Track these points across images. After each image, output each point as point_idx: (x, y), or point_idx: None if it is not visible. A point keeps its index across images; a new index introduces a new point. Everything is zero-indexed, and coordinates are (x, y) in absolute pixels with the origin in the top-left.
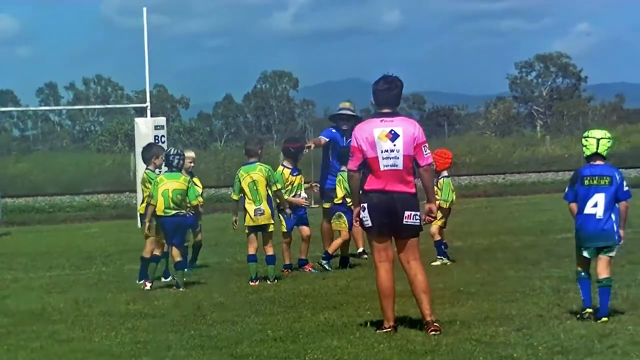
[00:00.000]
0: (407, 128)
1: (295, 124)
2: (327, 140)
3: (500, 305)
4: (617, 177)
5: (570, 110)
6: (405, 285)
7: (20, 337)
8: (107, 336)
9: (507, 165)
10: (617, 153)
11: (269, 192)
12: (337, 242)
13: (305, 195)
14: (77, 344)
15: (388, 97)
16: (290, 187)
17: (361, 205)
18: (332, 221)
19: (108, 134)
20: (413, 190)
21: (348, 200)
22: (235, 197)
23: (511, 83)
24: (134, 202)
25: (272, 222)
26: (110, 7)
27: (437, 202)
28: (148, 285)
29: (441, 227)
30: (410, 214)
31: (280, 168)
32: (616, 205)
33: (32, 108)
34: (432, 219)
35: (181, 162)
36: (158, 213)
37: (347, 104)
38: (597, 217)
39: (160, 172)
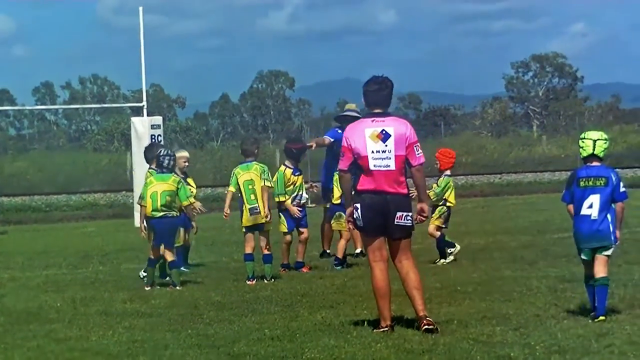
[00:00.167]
0: (398, 128)
1: (292, 123)
2: (332, 140)
3: (498, 304)
4: (614, 178)
5: (566, 110)
6: (401, 285)
7: (17, 336)
8: (104, 335)
9: (503, 165)
10: (614, 153)
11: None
12: (341, 244)
13: (307, 196)
14: (74, 342)
15: (378, 97)
16: (292, 187)
17: (354, 205)
18: (332, 221)
19: (104, 133)
20: (405, 191)
21: None
22: (231, 189)
23: (507, 83)
24: (131, 201)
25: (270, 220)
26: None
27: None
28: (147, 288)
29: (440, 227)
30: (402, 215)
31: (282, 168)
32: (612, 206)
33: (28, 107)
34: (424, 219)
35: (172, 162)
36: (147, 214)
37: (352, 106)
38: (592, 217)
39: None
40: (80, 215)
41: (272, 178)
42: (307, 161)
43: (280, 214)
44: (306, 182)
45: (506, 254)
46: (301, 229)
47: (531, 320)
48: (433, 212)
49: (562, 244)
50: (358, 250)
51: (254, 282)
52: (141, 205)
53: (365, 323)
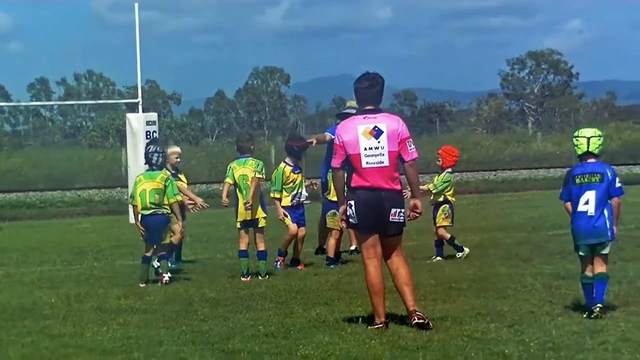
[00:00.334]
0: (390, 124)
1: (287, 120)
2: (333, 137)
3: (492, 301)
4: (609, 174)
5: (561, 107)
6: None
7: (11, 332)
8: (98, 331)
9: (498, 161)
10: (609, 150)
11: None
12: (332, 242)
13: (307, 194)
14: (68, 339)
15: (370, 94)
16: (292, 184)
17: (348, 202)
18: (327, 218)
19: (99, 130)
20: (399, 187)
21: None
22: (228, 181)
23: (503, 80)
24: (125, 197)
25: (264, 215)
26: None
27: (427, 187)
28: (142, 285)
29: (447, 227)
30: (396, 211)
31: (282, 165)
32: (609, 202)
33: (23, 103)
34: (418, 215)
35: (160, 159)
36: (138, 212)
37: (353, 103)
38: (589, 214)
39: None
40: (75, 212)
41: (272, 175)
42: (304, 157)
43: (284, 211)
44: (306, 180)
45: (501, 251)
46: (299, 227)
47: (525, 317)
48: (436, 212)
49: (556, 240)
50: (353, 247)
51: (248, 278)
52: (132, 205)
53: (360, 320)
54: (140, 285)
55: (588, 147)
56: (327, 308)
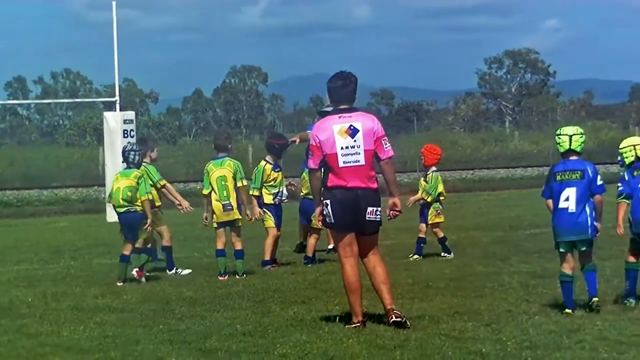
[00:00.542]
0: (365, 122)
1: (265, 118)
2: None
3: (469, 300)
4: (590, 171)
5: (539, 106)
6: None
7: None
8: (75, 330)
9: (475, 160)
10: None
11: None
12: (312, 242)
13: (287, 193)
14: (45, 338)
15: (343, 93)
16: (273, 182)
17: (324, 201)
18: (312, 218)
19: (77, 128)
20: (375, 186)
21: None
22: (205, 192)
23: (480, 79)
24: (103, 196)
25: (241, 217)
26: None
27: (421, 195)
28: (119, 283)
29: (440, 223)
30: (373, 210)
31: (263, 163)
32: (591, 199)
33: (0, 102)
34: (397, 213)
35: (137, 157)
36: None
37: None
38: (570, 210)
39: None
40: (52, 210)
41: (252, 173)
42: (284, 156)
43: (265, 209)
44: (285, 180)
45: (478, 250)
46: (278, 229)
47: (503, 316)
48: (427, 211)
49: (534, 239)
50: (330, 246)
51: (226, 277)
52: (112, 204)
53: (337, 319)
54: (118, 284)
55: (570, 145)
56: (305, 307)
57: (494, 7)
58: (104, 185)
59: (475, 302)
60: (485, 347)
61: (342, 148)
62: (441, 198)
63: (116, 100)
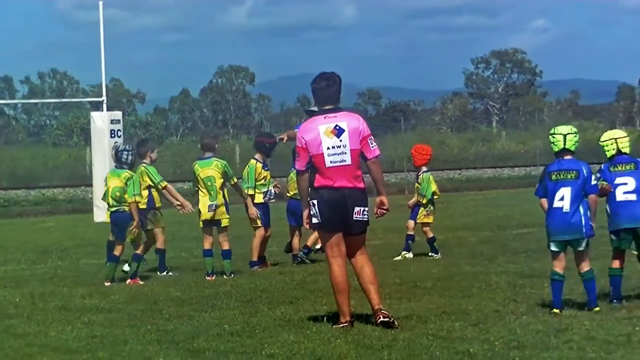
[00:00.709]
0: (351, 122)
1: (252, 118)
2: None
3: (457, 300)
4: (584, 171)
5: (525, 106)
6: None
7: None
8: (63, 330)
9: (463, 160)
10: None
11: (229, 185)
12: (295, 241)
13: (274, 192)
14: (32, 338)
15: (328, 93)
16: (263, 181)
17: (311, 202)
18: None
19: (64, 128)
20: (362, 186)
21: None
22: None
23: (467, 79)
24: (90, 196)
25: (228, 216)
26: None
27: (417, 199)
28: (107, 284)
29: (430, 224)
30: (360, 210)
31: (253, 162)
32: (585, 199)
33: None
34: (385, 212)
35: (130, 157)
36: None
37: None
38: (564, 210)
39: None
40: (39, 211)
41: (241, 173)
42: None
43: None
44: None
45: (465, 250)
46: (267, 229)
47: (490, 315)
48: (418, 209)
49: (521, 239)
50: (318, 246)
51: (213, 277)
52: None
53: (325, 319)
54: (106, 284)
55: (565, 144)
56: (292, 307)
57: (481, 7)
58: (91, 185)
59: (463, 302)
60: (472, 347)
61: (328, 148)
62: (435, 197)
63: (103, 100)
